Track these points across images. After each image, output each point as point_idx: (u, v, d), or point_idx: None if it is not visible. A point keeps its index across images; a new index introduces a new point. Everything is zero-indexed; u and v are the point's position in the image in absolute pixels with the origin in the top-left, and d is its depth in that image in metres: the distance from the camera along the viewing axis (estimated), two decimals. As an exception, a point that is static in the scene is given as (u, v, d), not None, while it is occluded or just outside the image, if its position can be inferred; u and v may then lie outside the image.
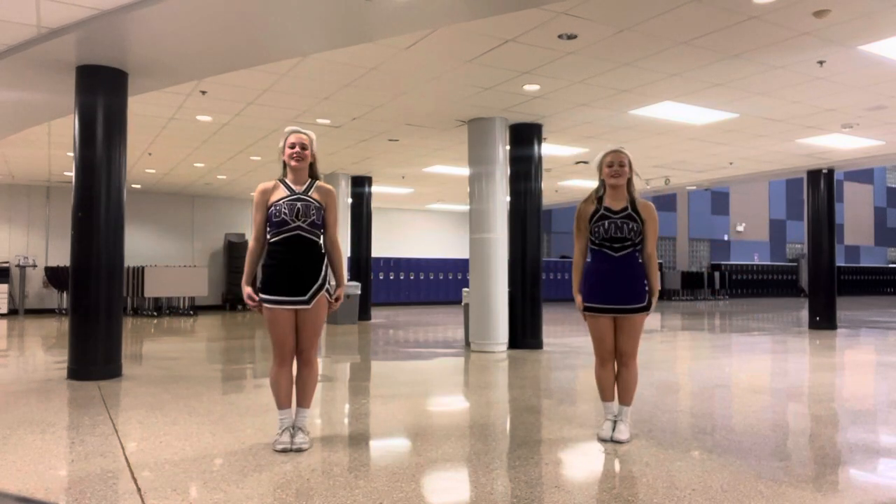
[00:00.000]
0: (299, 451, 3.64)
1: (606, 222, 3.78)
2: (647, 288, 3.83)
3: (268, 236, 3.66)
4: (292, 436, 3.70)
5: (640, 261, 3.82)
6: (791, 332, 11.53)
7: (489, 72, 6.78)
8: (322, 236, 3.70)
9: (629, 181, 3.84)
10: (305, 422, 3.78)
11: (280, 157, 3.74)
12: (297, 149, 3.67)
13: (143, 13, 4.88)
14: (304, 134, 3.71)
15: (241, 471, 3.26)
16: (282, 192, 3.66)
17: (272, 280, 3.63)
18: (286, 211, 3.61)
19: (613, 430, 3.88)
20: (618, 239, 3.76)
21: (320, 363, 7.62)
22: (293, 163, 3.68)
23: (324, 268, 3.68)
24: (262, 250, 3.71)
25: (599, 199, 3.85)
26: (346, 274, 3.78)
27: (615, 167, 3.80)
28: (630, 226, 3.76)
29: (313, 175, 3.78)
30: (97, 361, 5.99)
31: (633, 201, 3.82)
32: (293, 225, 3.59)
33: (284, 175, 3.72)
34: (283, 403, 3.70)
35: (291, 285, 3.60)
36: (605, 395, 3.96)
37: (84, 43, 5.53)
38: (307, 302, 3.61)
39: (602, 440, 3.88)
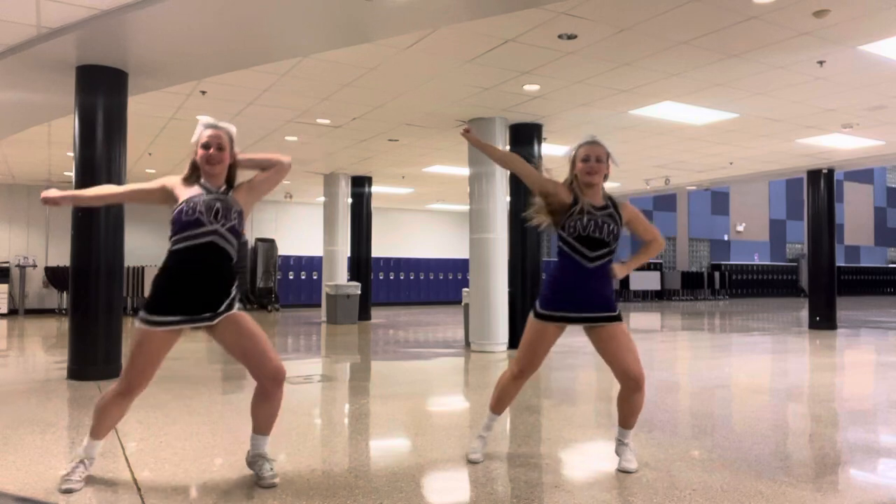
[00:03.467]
0: (272, 486, 3.03)
1: (586, 217, 3.18)
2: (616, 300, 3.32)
3: (170, 242, 2.96)
4: (259, 467, 3.11)
5: (610, 273, 3.28)
6: (791, 332, 11.53)
7: (489, 72, 6.78)
8: (236, 253, 3.09)
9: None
10: (268, 449, 3.20)
11: (192, 155, 3.06)
12: (213, 150, 3.00)
13: (143, 13, 4.88)
14: (222, 128, 3.05)
15: (241, 471, 3.25)
16: (198, 189, 3.01)
17: (165, 296, 2.92)
18: (202, 209, 2.92)
19: (621, 457, 3.34)
20: (596, 241, 3.17)
21: (320, 363, 7.66)
22: (207, 167, 3.00)
23: (234, 288, 3.04)
24: (115, 198, 3.26)
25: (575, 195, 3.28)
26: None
27: (592, 162, 3.23)
28: (611, 227, 3.21)
29: (230, 181, 3.10)
30: (97, 361, 5.99)
31: (612, 200, 3.31)
32: (209, 228, 2.92)
33: (196, 178, 3.05)
34: (103, 434, 3.06)
35: (192, 303, 2.92)
36: (501, 407, 3.47)
37: (84, 43, 5.53)
38: (212, 318, 2.94)
39: (473, 462, 3.41)
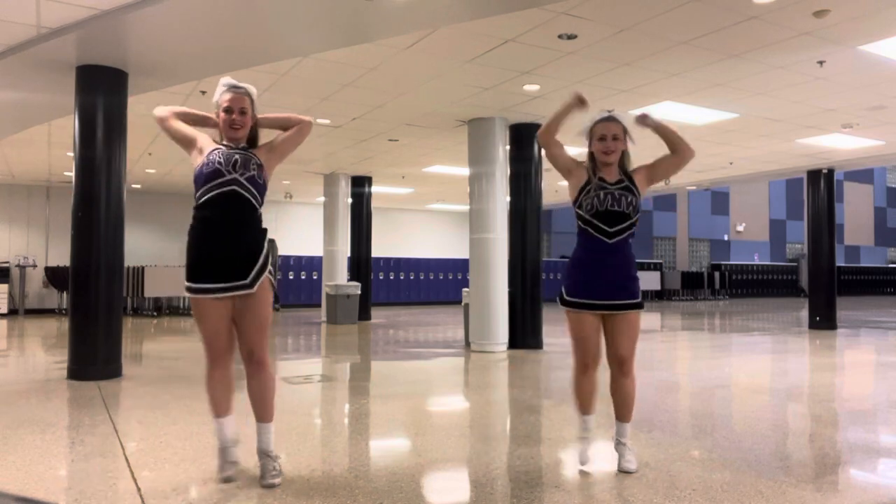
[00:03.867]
0: (272, 486, 3.00)
1: (602, 192, 3.16)
2: (639, 283, 3.30)
3: (195, 200, 3.02)
4: (262, 465, 3.10)
5: (632, 252, 3.28)
6: (791, 332, 11.53)
7: (489, 72, 6.78)
8: (261, 206, 3.09)
9: (623, 153, 3.28)
10: (272, 443, 3.13)
11: (215, 118, 3.13)
12: (236, 115, 3.05)
13: (143, 13, 4.89)
14: (243, 90, 3.08)
15: (240, 471, 3.25)
16: (218, 146, 3.11)
17: (199, 260, 2.97)
18: (221, 160, 2.98)
19: (621, 457, 3.33)
20: (614, 214, 3.15)
21: (320, 363, 7.65)
22: (230, 132, 3.06)
23: (266, 244, 3.07)
24: (178, 123, 3.16)
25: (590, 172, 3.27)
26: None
27: (608, 141, 3.21)
28: (628, 199, 3.18)
29: (252, 142, 3.16)
30: (97, 361, 5.99)
31: (626, 172, 3.29)
32: (228, 177, 2.95)
33: (221, 138, 3.15)
34: (220, 410, 3.15)
35: (226, 265, 2.95)
36: (587, 407, 3.38)
37: (84, 43, 5.53)
38: (250, 285, 2.97)
39: (585, 471, 3.32)
